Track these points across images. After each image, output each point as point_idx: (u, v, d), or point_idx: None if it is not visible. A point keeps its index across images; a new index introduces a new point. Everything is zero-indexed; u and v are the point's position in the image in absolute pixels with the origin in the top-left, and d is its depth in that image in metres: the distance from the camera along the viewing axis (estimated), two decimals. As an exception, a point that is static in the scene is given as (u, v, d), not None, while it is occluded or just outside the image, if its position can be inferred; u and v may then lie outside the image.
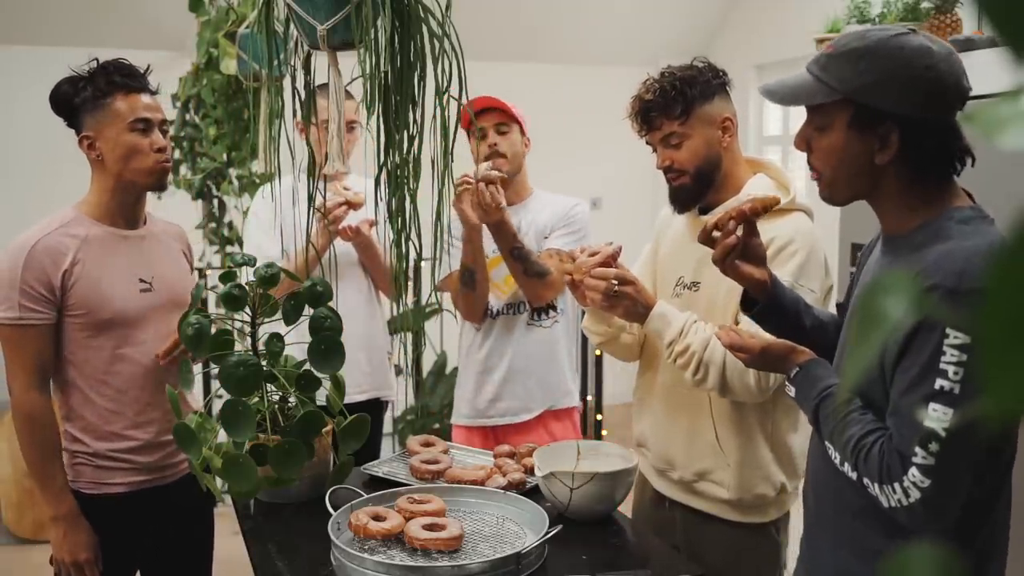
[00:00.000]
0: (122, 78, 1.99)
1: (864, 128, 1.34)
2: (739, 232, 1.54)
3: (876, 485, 1.29)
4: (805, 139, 1.43)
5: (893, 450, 1.27)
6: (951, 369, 1.21)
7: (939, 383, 1.22)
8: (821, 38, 3.22)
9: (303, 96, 1.76)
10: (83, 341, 2.00)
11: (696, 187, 1.95)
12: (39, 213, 2.11)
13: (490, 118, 2.56)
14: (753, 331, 1.66)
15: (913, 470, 1.24)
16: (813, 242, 1.86)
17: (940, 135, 1.34)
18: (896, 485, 1.26)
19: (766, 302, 1.57)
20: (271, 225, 2.46)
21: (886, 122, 1.32)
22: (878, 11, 3.05)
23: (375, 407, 2.74)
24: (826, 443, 1.40)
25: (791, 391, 1.50)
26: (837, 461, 1.38)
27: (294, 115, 1.77)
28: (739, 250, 1.54)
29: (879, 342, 0.39)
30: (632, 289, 1.84)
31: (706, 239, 1.57)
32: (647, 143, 2.01)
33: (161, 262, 2.12)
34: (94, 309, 1.98)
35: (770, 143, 5.39)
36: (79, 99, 2.00)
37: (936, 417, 1.22)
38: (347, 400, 2.12)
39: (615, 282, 1.83)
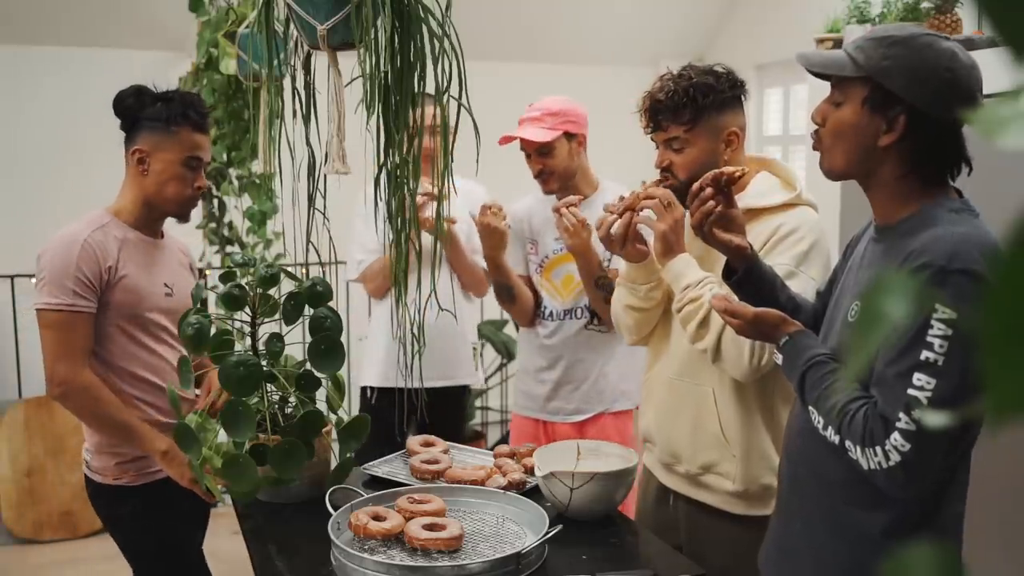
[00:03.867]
0: (196, 115, 2.17)
1: (876, 108, 1.42)
2: (718, 198, 1.68)
3: (858, 448, 1.35)
4: (822, 113, 1.51)
5: (877, 415, 1.33)
6: (937, 342, 1.28)
7: (924, 354, 1.29)
8: (821, 38, 3.22)
9: (303, 96, 1.76)
10: (115, 336, 2.13)
11: (687, 192, 1.96)
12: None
13: (528, 143, 2.58)
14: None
15: (895, 435, 1.30)
16: (819, 234, 1.89)
17: (942, 133, 1.41)
18: (878, 448, 1.32)
19: (745, 272, 1.67)
20: (370, 219, 2.56)
21: (896, 106, 1.40)
22: (878, 11, 3.05)
23: (459, 393, 3.02)
24: (809, 408, 1.46)
25: (778, 359, 1.55)
26: (820, 426, 1.43)
27: (294, 115, 1.77)
28: (716, 215, 1.66)
29: (881, 340, 0.39)
30: (679, 213, 1.88)
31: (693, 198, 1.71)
32: (651, 139, 2.03)
33: (176, 272, 2.29)
34: (127, 303, 2.13)
35: (770, 143, 5.39)
36: (150, 112, 2.15)
37: (920, 386, 1.29)
38: (429, 385, 2.37)
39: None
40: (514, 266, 2.73)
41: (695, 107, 1.91)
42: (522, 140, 2.56)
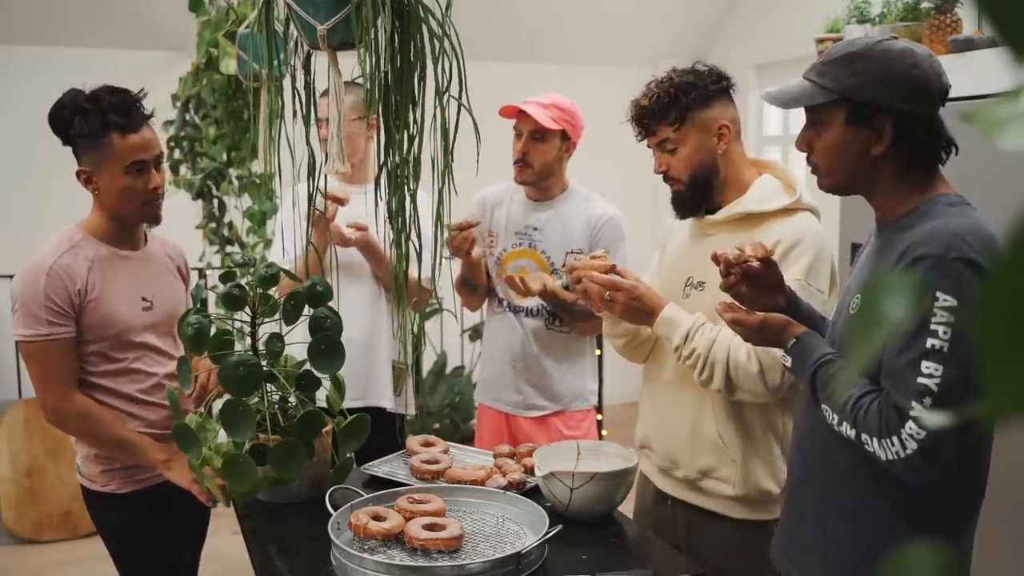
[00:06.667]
0: (117, 116, 2.01)
1: (859, 123, 1.47)
2: (754, 262, 1.64)
3: (875, 440, 1.38)
4: (806, 140, 1.55)
5: (891, 406, 1.36)
6: (941, 329, 1.32)
7: (931, 342, 1.32)
8: (821, 38, 3.22)
9: (303, 96, 1.75)
10: (89, 356, 2.08)
11: (692, 195, 1.97)
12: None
13: (528, 122, 2.53)
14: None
15: (910, 423, 1.33)
16: (821, 242, 1.88)
17: (927, 126, 1.47)
18: (894, 438, 1.35)
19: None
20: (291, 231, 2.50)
21: (879, 116, 1.45)
22: (878, 11, 3.05)
23: (376, 416, 2.44)
24: (823, 406, 1.48)
25: (787, 361, 1.57)
26: (835, 422, 1.46)
27: (294, 115, 1.77)
28: (757, 281, 1.64)
29: (882, 337, 0.39)
30: (624, 295, 1.87)
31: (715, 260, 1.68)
32: (647, 146, 2.03)
33: (159, 282, 2.21)
34: (103, 325, 2.07)
35: (770, 143, 5.39)
36: (75, 131, 2.03)
37: (929, 373, 1.32)
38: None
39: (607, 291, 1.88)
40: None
41: (680, 106, 1.92)
42: (522, 116, 2.52)
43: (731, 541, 1.96)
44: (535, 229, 2.63)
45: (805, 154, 1.57)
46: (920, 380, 1.33)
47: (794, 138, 1.63)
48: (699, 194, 1.97)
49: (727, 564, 1.94)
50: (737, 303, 1.66)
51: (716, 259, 1.65)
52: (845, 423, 1.43)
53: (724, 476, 1.95)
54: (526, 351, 2.65)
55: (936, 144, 1.48)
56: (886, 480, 1.43)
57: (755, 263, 1.62)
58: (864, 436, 1.40)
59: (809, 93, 1.50)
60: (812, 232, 1.89)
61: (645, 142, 2.03)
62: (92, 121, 2.01)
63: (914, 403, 1.33)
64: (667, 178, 1.99)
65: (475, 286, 2.68)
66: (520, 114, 2.54)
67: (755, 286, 1.64)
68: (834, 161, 1.51)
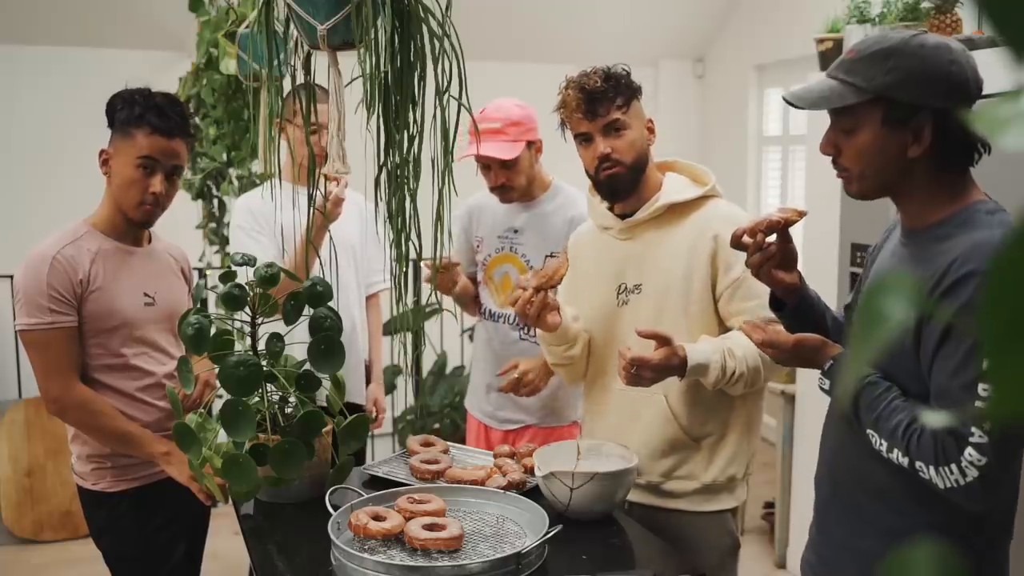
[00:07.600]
0: (154, 116, 2.08)
1: (897, 124, 1.38)
2: (772, 239, 1.61)
3: (931, 468, 1.31)
4: (832, 143, 1.46)
5: (947, 432, 1.29)
6: None
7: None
8: (821, 38, 3.22)
9: (303, 96, 1.75)
10: (90, 348, 2.10)
11: (630, 179, 1.99)
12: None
13: (495, 159, 2.47)
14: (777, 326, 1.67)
15: (970, 450, 1.27)
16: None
17: (964, 127, 1.38)
18: (953, 466, 1.28)
19: (796, 304, 1.63)
20: (256, 232, 2.48)
21: (918, 115, 1.36)
22: (878, 11, 3.05)
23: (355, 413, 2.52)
24: (868, 431, 1.41)
25: (825, 384, 1.51)
26: (884, 448, 1.38)
27: (293, 115, 1.77)
28: (776, 258, 1.59)
29: (882, 341, 0.39)
30: (650, 373, 1.82)
31: (737, 244, 1.63)
32: (578, 136, 2.00)
33: (162, 279, 2.23)
34: (104, 317, 2.09)
35: (770, 143, 5.37)
36: (116, 115, 2.11)
37: (986, 397, 1.25)
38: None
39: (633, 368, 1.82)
40: (466, 266, 2.73)
41: (629, 88, 1.97)
42: (489, 156, 2.44)
43: (689, 537, 1.99)
44: (516, 232, 2.61)
45: (830, 158, 1.47)
46: (979, 404, 1.26)
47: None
48: (634, 181, 1.99)
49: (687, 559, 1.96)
50: (760, 323, 1.62)
51: (745, 233, 1.59)
52: (896, 450, 1.35)
53: (688, 472, 1.99)
54: (500, 360, 2.59)
55: (972, 145, 1.40)
56: (921, 499, 1.38)
57: (796, 219, 1.59)
58: (919, 464, 1.32)
59: (839, 92, 1.40)
60: (739, 215, 1.96)
61: (581, 130, 1.98)
62: (133, 111, 2.08)
63: (974, 429, 1.26)
64: (607, 162, 1.96)
65: (466, 303, 2.74)
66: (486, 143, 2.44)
67: (775, 261, 1.60)
68: (867, 164, 1.41)
